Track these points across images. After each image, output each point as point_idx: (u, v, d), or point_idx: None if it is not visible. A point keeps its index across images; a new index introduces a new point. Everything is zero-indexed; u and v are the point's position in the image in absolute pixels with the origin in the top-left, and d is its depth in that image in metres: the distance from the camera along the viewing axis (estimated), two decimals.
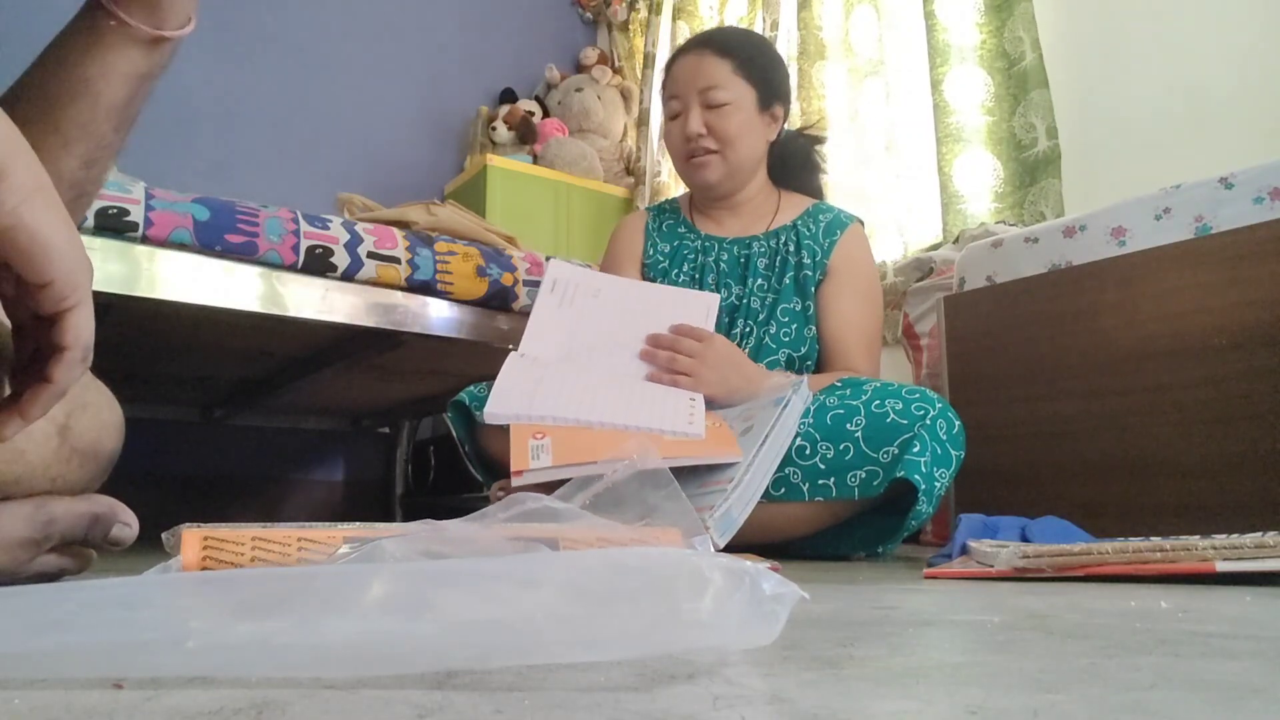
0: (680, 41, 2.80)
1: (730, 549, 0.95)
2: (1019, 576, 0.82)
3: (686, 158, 1.41)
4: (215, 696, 0.31)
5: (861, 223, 1.45)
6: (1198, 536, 0.80)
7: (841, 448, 1.14)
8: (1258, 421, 1.08)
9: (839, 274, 1.38)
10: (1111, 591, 0.71)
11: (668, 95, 1.44)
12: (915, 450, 1.09)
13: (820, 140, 1.55)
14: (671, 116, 1.43)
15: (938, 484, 1.10)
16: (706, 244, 1.46)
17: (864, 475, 1.12)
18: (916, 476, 1.08)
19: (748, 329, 1.38)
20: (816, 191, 1.53)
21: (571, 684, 0.33)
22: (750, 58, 1.42)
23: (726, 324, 1.40)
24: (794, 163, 1.51)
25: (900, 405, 1.13)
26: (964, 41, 1.92)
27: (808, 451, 1.15)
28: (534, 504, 0.59)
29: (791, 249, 1.41)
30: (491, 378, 1.46)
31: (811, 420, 1.16)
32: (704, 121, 1.38)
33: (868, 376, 1.30)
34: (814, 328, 1.37)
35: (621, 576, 0.35)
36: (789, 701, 0.31)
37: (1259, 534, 0.76)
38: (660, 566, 0.36)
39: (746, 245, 1.44)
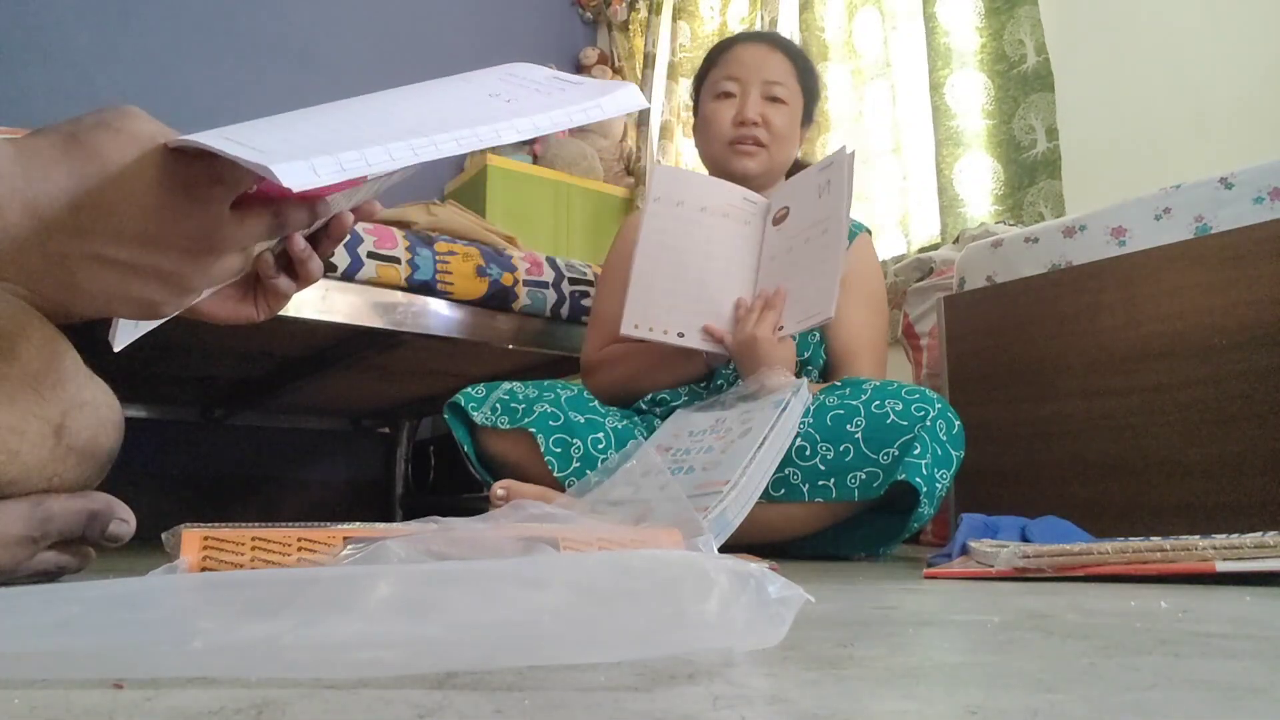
0: (682, 41, 2.80)
1: (728, 548, 0.95)
2: (1019, 576, 0.82)
3: (733, 142, 1.37)
4: (215, 696, 0.31)
5: (869, 232, 1.44)
6: (1198, 536, 0.80)
7: (842, 449, 1.13)
8: (1258, 421, 1.08)
9: (848, 285, 1.36)
10: (1111, 591, 0.71)
11: (724, 75, 1.39)
12: (916, 452, 1.09)
13: None
14: (723, 95, 1.38)
15: (939, 485, 1.10)
16: None
17: (864, 476, 1.12)
18: (918, 479, 1.08)
19: None
20: None
21: (572, 684, 0.33)
22: (808, 69, 1.44)
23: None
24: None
25: (900, 406, 1.12)
26: (964, 45, 1.93)
27: (808, 452, 1.14)
28: (536, 509, 0.59)
29: None
30: (491, 378, 1.45)
31: (811, 420, 1.15)
32: (760, 111, 1.36)
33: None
34: (818, 333, 1.37)
35: (627, 578, 0.35)
36: (789, 701, 0.31)
37: (1259, 534, 0.76)
38: (666, 568, 0.36)
39: None
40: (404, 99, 0.51)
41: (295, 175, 0.40)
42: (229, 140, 0.43)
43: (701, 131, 1.44)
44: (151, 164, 0.46)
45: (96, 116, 0.47)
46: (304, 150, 0.42)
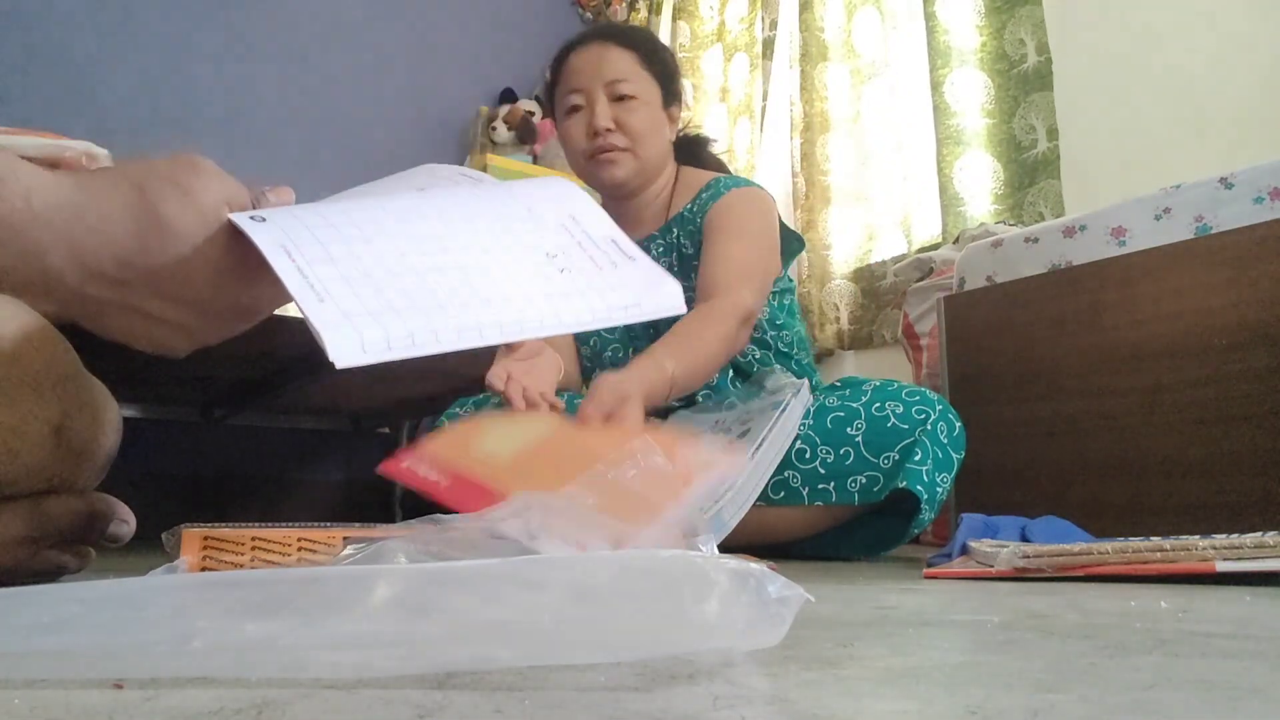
0: (682, 41, 2.80)
1: (727, 549, 0.95)
2: (1019, 576, 0.82)
3: (591, 155, 1.28)
4: (215, 696, 0.31)
5: (755, 186, 1.35)
6: (1198, 536, 0.80)
7: (842, 452, 1.13)
8: (1258, 421, 1.08)
9: (708, 230, 1.27)
10: (1111, 591, 0.71)
11: (566, 89, 1.30)
12: (917, 458, 1.09)
13: (708, 141, 1.49)
14: (571, 110, 1.30)
15: (939, 490, 1.10)
16: None
17: (864, 480, 1.11)
18: (919, 486, 1.07)
19: None
20: (714, 163, 1.45)
21: (571, 684, 0.33)
22: (654, 51, 1.34)
23: (653, 337, 1.28)
24: (687, 143, 1.44)
25: (901, 409, 1.12)
26: (964, 44, 1.93)
27: (807, 455, 1.14)
28: (537, 503, 0.58)
29: (682, 240, 1.32)
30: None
31: (811, 422, 1.15)
32: (611, 116, 1.27)
33: (743, 306, 1.15)
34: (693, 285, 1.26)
35: (627, 578, 0.35)
36: (789, 701, 0.31)
37: (1259, 534, 0.76)
38: (666, 568, 0.36)
39: (645, 248, 1.30)
40: (458, 232, 0.49)
41: (344, 353, 0.41)
42: (293, 265, 0.43)
43: (564, 151, 1.36)
44: (214, 242, 0.46)
45: (169, 170, 0.46)
46: (358, 309, 0.42)
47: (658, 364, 1.04)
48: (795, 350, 1.36)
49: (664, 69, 1.33)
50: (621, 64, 1.28)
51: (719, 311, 1.13)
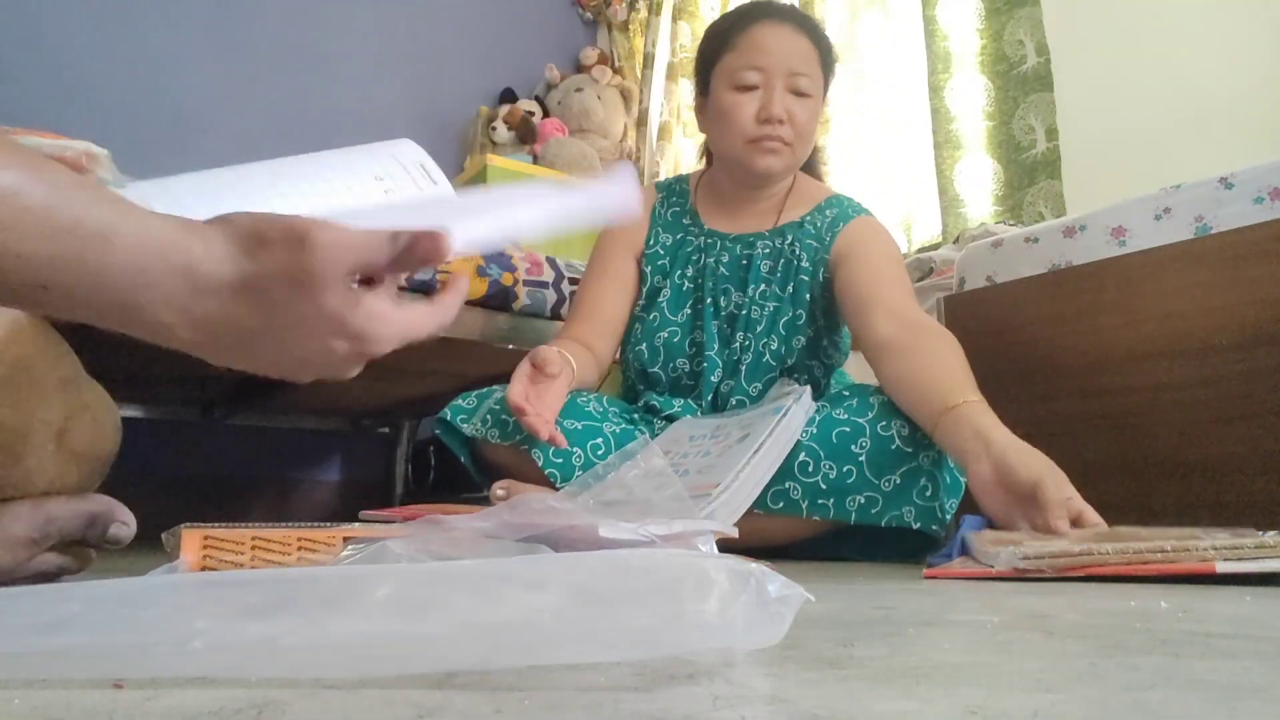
0: (682, 42, 2.80)
1: (723, 551, 0.94)
2: (1019, 576, 0.82)
3: (756, 139, 1.26)
4: (215, 696, 0.31)
5: (871, 214, 1.37)
6: (1198, 535, 0.80)
7: (845, 469, 1.10)
8: (1258, 421, 1.08)
9: (851, 255, 1.27)
10: (1111, 591, 0.71)
11: (745, 64, 1.25)
12: (927, 492, 1.08)
13: (819, 148, 1.50)
14: (745, 86, 1.25)
15: (946, 516, 1.09)
16: (709, 241, 1.36)
17: (863, 501, 1.10)
18: (934, 527, 1.07)
19: (746, 341, 1.31)
20: (817, 174, 1.46)
21: (571, 684, 0.33)
22: (829, 50, 1.32)
23: (726, 333, 1.33)
24: None
25: (906, 429, 1.09)
26: (963, 48, 1.93)
27: (810, 469, 1.11)
28: (539, 504, 0.59)
29: (797, 250, 1.32)
30: (492, 378, 1.43)
31: (815, 432, 1.13)
32: (785, 107, 1.24)
33: (924, 321, 1.20)
34: (802, 338, 1.30)
35: (627, 578, 0.35)
36: (789, 701, 0.31)
37: (1259, 534, 0.76)
38: (665, 568, 0.36)
39: (750, 244, 1.34)
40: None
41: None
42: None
43: (718, 123, 1.30)
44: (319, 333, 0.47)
45: (290, 259, 0.46)
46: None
47: (986, 410, 1.04)
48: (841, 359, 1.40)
49: (831, 69, 1.32)
50: (808, 57, 1.27)
51: (946, 333, 1.17)
